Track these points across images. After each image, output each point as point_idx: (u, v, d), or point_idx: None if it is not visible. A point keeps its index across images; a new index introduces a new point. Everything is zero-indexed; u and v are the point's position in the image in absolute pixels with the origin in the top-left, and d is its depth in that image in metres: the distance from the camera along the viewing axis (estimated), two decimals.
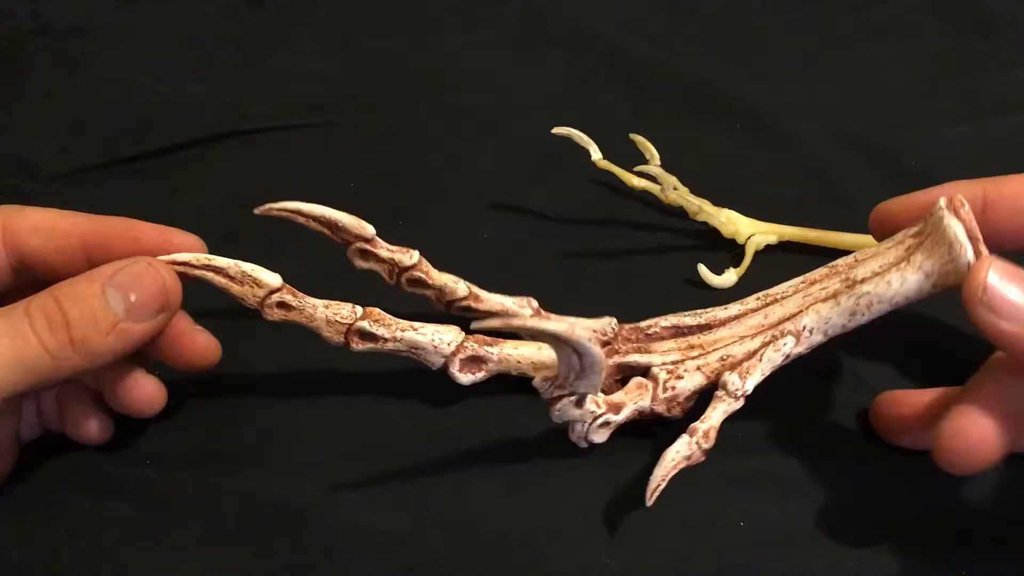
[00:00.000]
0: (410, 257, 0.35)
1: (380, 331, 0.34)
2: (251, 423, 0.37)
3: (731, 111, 0.53)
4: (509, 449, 0.35)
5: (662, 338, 0.35)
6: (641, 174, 0.45)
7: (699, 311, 0.35)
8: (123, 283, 0.31)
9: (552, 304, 0.42)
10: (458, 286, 0.36)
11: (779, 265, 0.43)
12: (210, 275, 0.34)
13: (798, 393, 0.35)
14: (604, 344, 0.35)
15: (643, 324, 0.36)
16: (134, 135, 0.53)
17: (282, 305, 0.34)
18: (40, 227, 0.34)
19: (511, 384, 0.35)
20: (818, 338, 0.33)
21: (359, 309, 0.34)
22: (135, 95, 0.57)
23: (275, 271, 0.34)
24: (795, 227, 0.44)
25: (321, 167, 0.51)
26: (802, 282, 0.35)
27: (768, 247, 0.43)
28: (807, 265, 0.43)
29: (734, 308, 0.35)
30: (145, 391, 0.35)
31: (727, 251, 0.44)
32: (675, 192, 0.43)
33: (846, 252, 0.42)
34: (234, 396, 0.36)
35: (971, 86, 0.54)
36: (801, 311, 0.34)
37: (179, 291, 0.33)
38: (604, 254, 0.45)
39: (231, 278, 0.34)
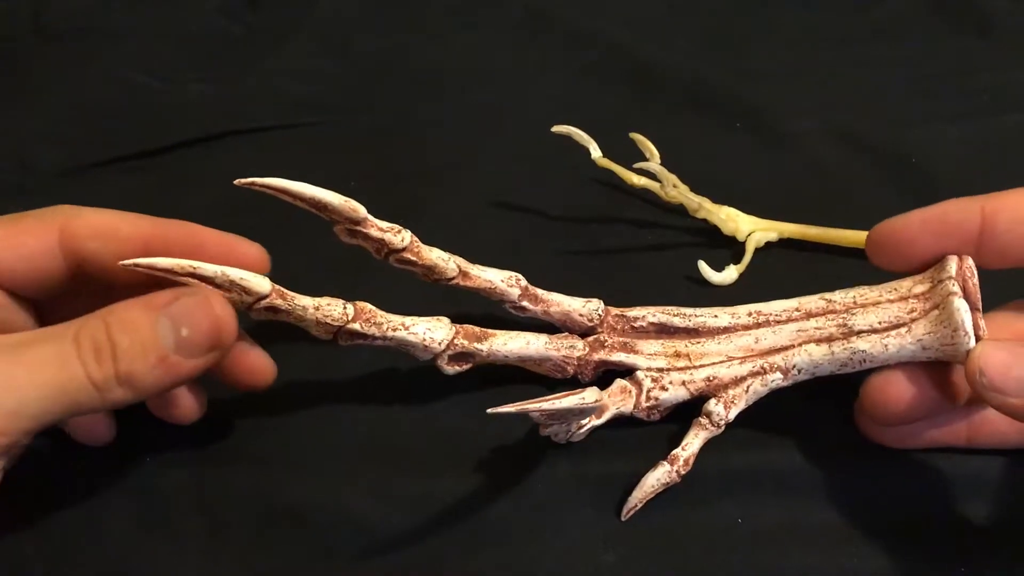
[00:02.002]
0: (401, 239, 0.34)
1: (371, 330, 0.33)
2: (251, 421, 0.37)
3: (731, 110, 0.53)
4: (509, 446, 0.35)
5: (648, 333, 0.36)
6: (641, 171, 0.45)
7: (688, 312, 0.35)
8: (177, 315, 0.30)
9: None
10: (448, 265, 0.35)
11: (779, 262, 0.43)
12: (195, 283, 0.32)
13: (797, 391, 0.35)
14: (589, 331, 0.36)
15: (631, 313, 0.36)
16: (134, 135, 0.53)
17: (271, 309, 0.33)
18: (100, 231, 0.33)
19: (513, 378, 0.35)
20: (805, 377, 0.34)
21: (350, 309, 0.33)
22: (135, 95, 0.57)
23: (273, 264, 0.34)
24: (795, 224, 0.44)
25: (321, 167, 0.51)
26: (796, 310, 0.34)
27: (768, 244, 0.43)
28: (808, 262, 0.43)
29: (724, 319, 0.35)
30: (187, 399, 0.35)
31: (727, 248, 0.44)
32: (675, 190, 0.43)
33: (846, 249, 0.43)
34: (234, 395, 0.36)
35: (971, 85, 0.53)
36: (793, 346, 0.34)
37: (234, 329, 0.31)
38: (604, 252, 0.45)
39: (218, 287, 0.32)
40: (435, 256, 0.35)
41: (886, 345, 0.32)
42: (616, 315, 0.36)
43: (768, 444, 0.36)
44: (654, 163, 0.43)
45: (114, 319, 0.29)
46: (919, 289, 0.33)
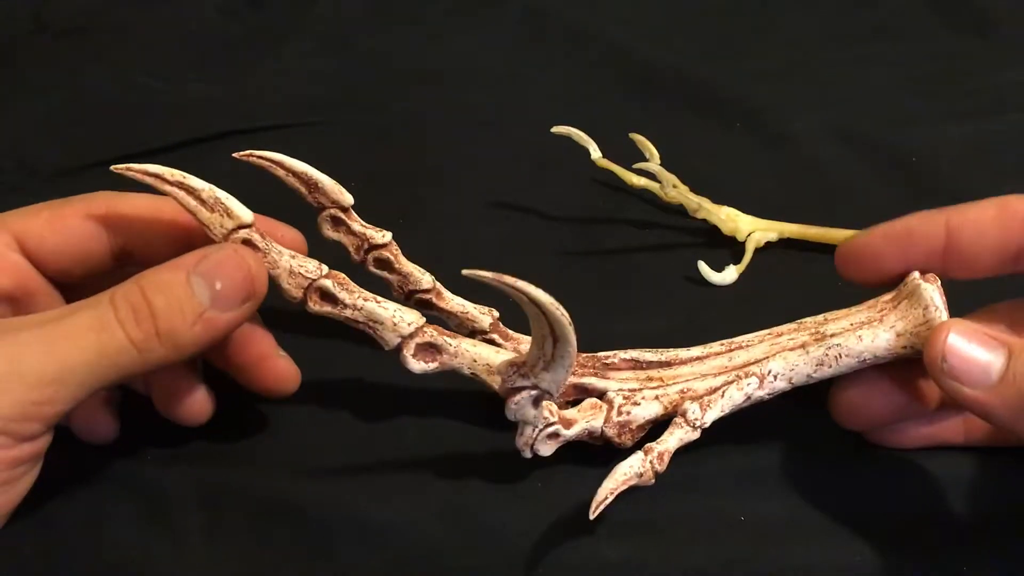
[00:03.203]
0: (382, 236, 0.34)
1: (342, 295, 0.32)
2: (252, 421, 0.37)
3: (731, 110, 0.53)
4: (509, 442, 0.35)
5: (620, 369, 0.35)
6: (641, 172, 0.45)
7: (660, 349, 0.35)
8: (208, 271, 0.30)
9: None
10: (424, 277, 0.35)
11: (779, 262, 0.43)
12: (182, 194, 0.31)
13: (799, 390, 0.35)
14: None
15: (601, 354, 0.35)
16: (134, 134, 0.53)
17: (247, 243, 0.32)
18: (143, 214, 0.33)
19: None
20: (782, 384, 0.33)
21: (325, 268, 0.33)
22: (135, 95, 0.57)
23: None
24: (795, 224, 0.44)
25: (321, 167, 0.50)
26: (768, 334, 0.34)
27: (768, 244, 0.43)
28: (807, 262, 0.43)
29: (697, 350, 0.35)
30: (198, 400, 0.35)
31: (727, 248, 0.44)
32: (675, 190, 0.43)
33: None
34: (234, 392, 0.36)
35: (970, 85, 0.54)
36: (768, 357, 0.33)
37: (265, 279, 0.32)
38: (604, 252, 0.45)
39: (203, 202, 0.32)
40: (412, 266, 0.35)
41: (860, 336, 0.32)
42: (586, 356, 0.35)
43: (769, 444, 0.36)
44: (654, 163, 0.43)
45: (147, 282, 0.30)
46: (886, 297, 0.33)
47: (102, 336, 0.29)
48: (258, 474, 0.36)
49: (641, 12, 0.62)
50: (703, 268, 0.42)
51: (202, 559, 0.33)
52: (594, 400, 0.34)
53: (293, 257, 0.33)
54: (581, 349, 0.36)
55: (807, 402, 0.36)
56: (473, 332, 0.36)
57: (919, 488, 0.34)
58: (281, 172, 0.33)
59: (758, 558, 0.32)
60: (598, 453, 0.35)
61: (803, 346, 0.33)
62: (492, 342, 0.35)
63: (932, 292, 0.31)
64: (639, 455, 0.32)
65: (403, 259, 0.35)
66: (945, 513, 0.34)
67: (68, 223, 0.33)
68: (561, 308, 0.27)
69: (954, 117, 0.51)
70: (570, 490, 0.34)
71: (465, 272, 0.26)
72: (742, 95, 0.53)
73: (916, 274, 0.32)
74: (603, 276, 0.44)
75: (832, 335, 0.33)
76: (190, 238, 0.33)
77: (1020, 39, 0.57)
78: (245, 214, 0.32)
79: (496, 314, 0.36)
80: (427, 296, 0.35)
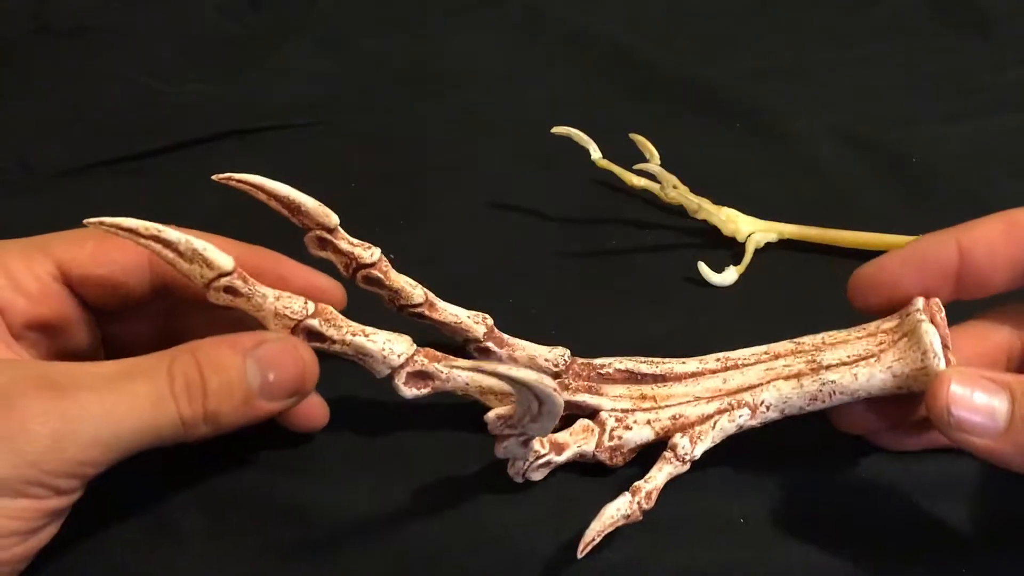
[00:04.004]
0: (371, 255, 0.33)
1: (330, 331, 0.32)
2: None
3: (731, 110, 0.53)
4: None
5: (615, 380, 0.35)
6: (641, 172, 0.45)
7: (656, 360, 0.35)
8: (265, 359, 0.31)
9: (552, 303, 0.42)
10: (415, 291, 0.34)
11: (779, 263, 0.43)
12: (158, 247, 0.31)
13: None
14: (554, 376, 0.35)
15: (597, 362, 0.35)
16: (134, 135, 0.53)
17: (230, 290, 0.31)
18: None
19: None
20: (774, 415, 0.33)
21: (311, 306, 0.32)
22: (135, 95, 0.57)
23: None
24: (795, 225, 0.44)
25: (321, 167, 0.51)
26: (765, 353, 0.34)
27: (768, 245, 0.43)
28: (807, 263, 0.43)
29: (692, 364, 0.35)
30: (313, 408, 0.35)
31: (727, 249, 0.44)
32: (675, 191, 0.43)
33: (846, 249, 0.43)
34: None
35: (970, 85, 0.54)
36: (761, 384, 0.33)
37: (316, 377, 0.32)
38: (604, 253, 0.45)
39: (180, 254, 0.31)
40: (403, 281, 0.34)
41: (855, 375, 0.32)
42: (582, 363, 0.35)
43: (770, 445, 0.35)
44: (653, 164, 0.43)
45: (204, 358, 0.30)
46: (887, 326, 0.33)
47: (156, 409, 0.29)
48: (259, 476, 0.35)
49: (641, 12, 0.62)
50: (703, 269, 0.42)
51: (203, 561, 0.33)
52: (586, 423, 0.34)
53: (277, 299, 0.32)
54: (577, 351, 0.36)
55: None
56: (467, 342, 0.35)
57: (918, 490, 0.34)
58: (263, 196, 0.32)
59: (759, 560, 0.32)
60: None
61: (798, 376, 0.33)
62: (487, 350, 0.35)
63: (933, 336, 0.31)
64: (627, 496, 0.32)
65: (393, 275, 0.34)
66: (944, 514, 0.33)
67: (113, 256, 0.33)
68: (544, 379, 0.27)
69: (954, 117, 0.51)
70: (571, 492, 0.34)
71: (439, 366, 0.27)
72: (742, 95, 0.53)
73: (920, 303, 0.32)
74: (603, 277, 0.44)
75: (828, 367, 0.32)
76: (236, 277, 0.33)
77: (1020, 39, 0.57)
78: (224, 262, 0.31)
79: (490, 321, 0.36)
80: (419, 309, 0.35)
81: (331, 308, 0.33)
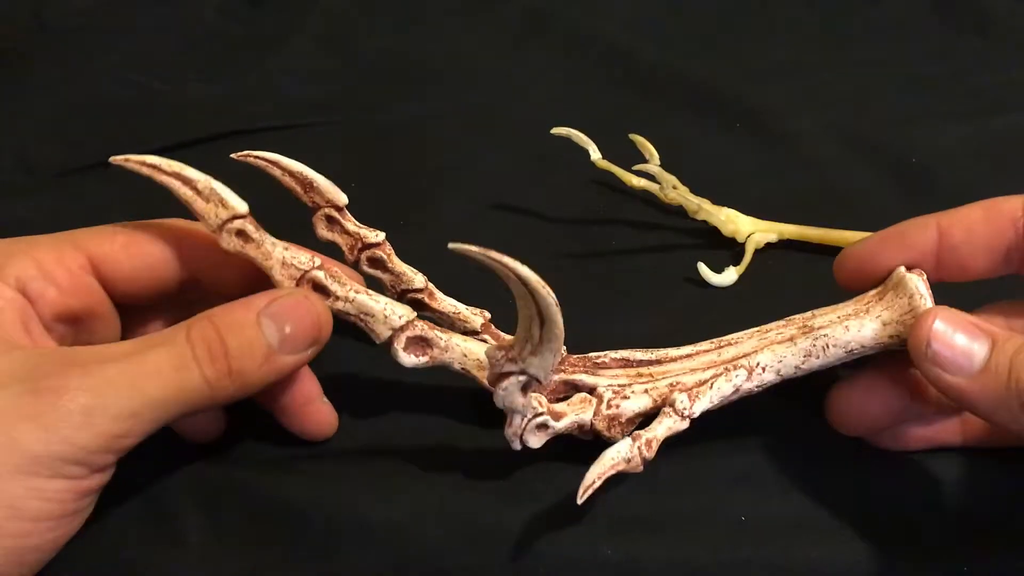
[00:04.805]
0: (376, 235, 0.34)
1: (334, 287, 0.33)
2: (252, 419, 0.37)
3: (731, 111, 0.53)
4: (508, 444, 0.35)
5: (610, 368, 0.35)
6: (640, 173, 0.45)
7: (651, 349, 0.35)
8: (278, 313, 0.31)
9: None
10: (416, 276, 0.35)
11: (779, 263, 0.43)
12: (177, 184, 0.32)
13: (799, 389, 0.35)
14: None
15: (592, 355, 0.35)
16: (134, 135, 0.53)
17: (241, 234, 0.32)
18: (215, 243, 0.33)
19: None
20: (770, 376, 0.33)
21: (318, 259, 0.33)
22: (135, 95, 0.57)
23: None
24: (795, 225, 0.44)
25: (321, 167, 0.50)
26: (757, 331, 0.35)
27: (768, 245, 0.43)
28: (807, 263, 0.43)
29: (687, 348, 0.35)
30: (323, 415, 0.36)
31: (727, 250, 0.44)
32: (674, 191, 0.43)
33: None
34: None
35: (970, 85, 0.54)
36: (756, 351, 0.33)
37: (331, 326, 0.33)
38: (603, 254, 0.45)
39: (198, 192, 0.32)
40: (405, 266, 0.35)
41: (847, 327, 0.32)
42: (577, 357, 0.35)
43: (769, 444, 0.36)
44: (653, 165, 0.43)
45: (221, 321, 0.31)
46: (872, 292, 0.34)
47: (181, 374, 0.30)
48: (257, 474, 0.35)
49: (641, 12, 0.62)
50: (703, 269, 0.42)
51: (200, 558, 0.33)
52: (584, 395, 0.34)
53: (286, 249, 0.33)
54: (576, 351, 0.36)
55: (806, 403, 0.36)
56: (465, 333, 0.36)
57: (919, 489, 0.34)
58: (277, 172, 0.34)
59: (758, 558, 0.32)
60: (596, 452, 0.35)
61: (791, 339, 0.33)
62: (484, 343, 0.35)
63: (917, 281, 0.32)
64: (627, 441, 0.32)
65: (396, 259, 0.35)
66: (945, 513, 0.34)
67: (144, 249, 0.33)
68: (548, 288, 0.27)
69: (954, 117, 0.51)
70: (569, 490, 0.34)
71: (451, 246, 0.26)
72: (742, 95, 0.53)
73: (902, 268, 0.33)
74: (602, 277, 0.44)
75: (819, 327, 0.33)
76: (259, 269, 0.33)
77: (1020, 39, 0.57)
78: (239, 205, 0.32)
79: (488, 315, 0.36)
80: (419, 296, 0.35)
81: (338, 267, 0.34)
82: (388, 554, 0.33)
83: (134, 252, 0.33)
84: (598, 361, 0.35)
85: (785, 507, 0.34)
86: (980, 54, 0.56)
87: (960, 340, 0.29)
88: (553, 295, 0.27)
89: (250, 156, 0.33)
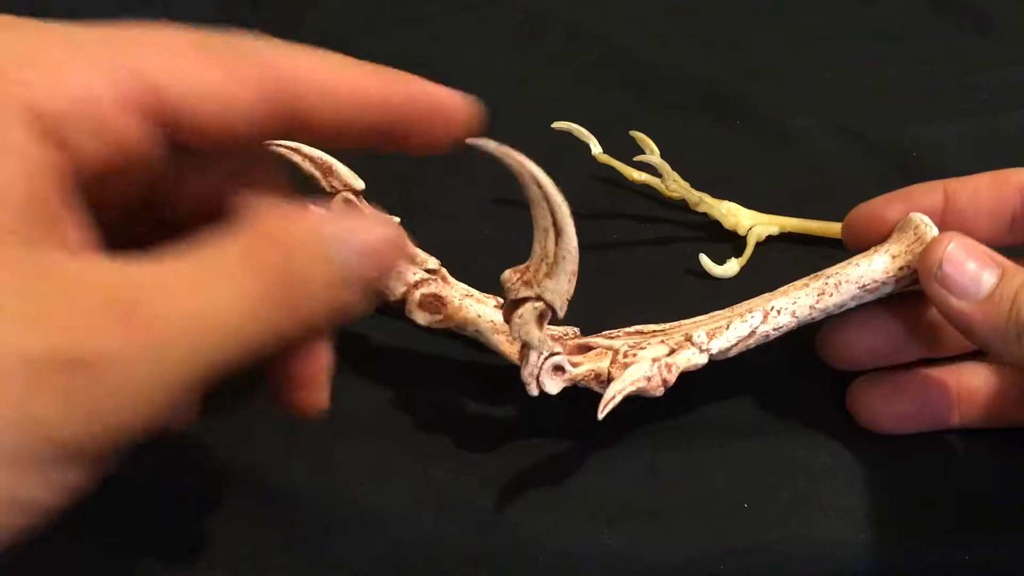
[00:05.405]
0: (392, 219, 0.35)
1: None
2: (247, 407, 0.37)
3: (731, 109, 0.53)
4: (510, 429, 0.35)
5: (622, 339, 0.35)
6: (641, 165, 0.45)
7: (661, 324, 0.35)
8: (350, 241, 0.24)
9: None
10: (430, 259, 0.36)
11: (781, 255, 0.43)
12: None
13: (802, 378, 0.35)
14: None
15: (604, 333, 0.35)
16: None
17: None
18: (325, 87, 0.25)
19: (512, 366, 0.35)
20: (786, 318, 0.33)
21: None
22: None
23: None
24: (796, 218, 0.43)
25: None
26: (770, 294, 0.35)
27: (770, 238, 0.43)
28: (809, 256, 0.43)
29: (701, 317, 0.35)
30: (320, 399, 0.28)
31: (728, 243, 0.44)
32: (676, 184, 0.43)
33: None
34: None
35: (970, 84, 0.54)
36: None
37: (400, 256, 0.27)
38: (605, 247, 0.45)
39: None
40: (418, 250, 0.36)
41: (857, 263, 0.33)
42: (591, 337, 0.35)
43: (771, 430, 0.36)
44: (655, 156, 0.43)
45: (292, 246, 0.23)
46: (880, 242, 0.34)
47: (250, 326, 0.22)
48: (254, 462, 0.35)
49: (641, 12, 0.62)
50: (704, 261, 0.42)
51: (197, 542, 0.33)
52: (600, 349, 0.34)
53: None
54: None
55: (808, 390, 0.36)
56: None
57: (920, 475, 0.34)
58: (298, 158, 0.35)
59: (760, 544, 0.32)
60: (599, 445, 0.35)
61: (804, 284, 0.33)
62: (498, 311, 0.36)
63: (922, 216, 0.32)
64: (647, 361, 0.31)
65: (410, 243, 0.36)
66: (947, 498, 0.33)
67: (226, 87, 0.24)
68: (563, 197, 0.27)
69: (954, 115, 0.51)
70: (570, 479, 0.34)
71: (469, 141, 0.26)
72: (742, 93, 0.53)
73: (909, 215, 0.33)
74: (604, 271, 0.44)
75: (831, 272, 0.33)
76: (382, 112, 0.26)
77: (1020, 39, 0.57)
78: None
79: (500, 300, 0.36)
80: (434, 277, 0.36)
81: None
82: (385, 539, 0.33)
83: (213, 91, 0.23)
84: (611, 336, 0.35)
85: (788, 493, 0.34)
86: (980, 53, 0.56)
87: (971, 266, 0.30)
88: (567, 204, 0.27)
89: (272, 144, 0.34)
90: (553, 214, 0.27)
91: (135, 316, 0.20)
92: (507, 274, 0.30)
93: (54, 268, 0.20)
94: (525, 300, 0.30)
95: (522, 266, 0.30)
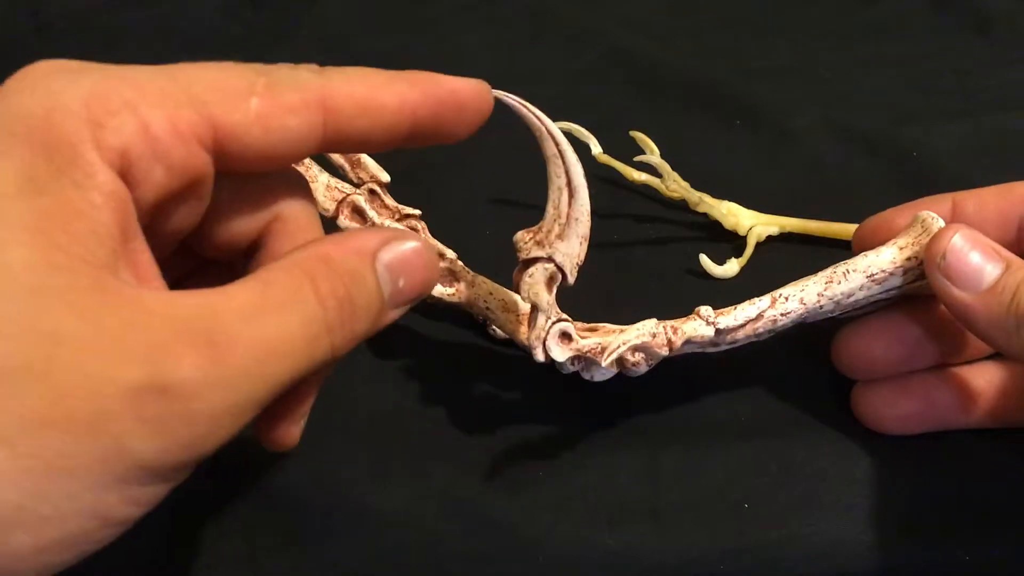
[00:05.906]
0: (413, 210, 0.36)
1: (371, 213, 0.36)
2: None
3: (731, 109, 0.53)
4: (511, 430, 0.35)
5: None
6: (641, 165, 0.45)
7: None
8: (396, 264, 0.26)
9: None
10: (448, 250, 0.37)
11: (781, 255, 0.43)
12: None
13: (802, 378, 0.35)
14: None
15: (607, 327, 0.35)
16: None
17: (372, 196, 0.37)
18: (367, 106, 0.26)
19: (514, 365, 0.35)
20: (794, 305, 0.33)
21: (367, 192, 0.36)
22: None
23: None
24: (796, 218, 0.43)
25: (321, 166, 0.50)
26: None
27: (770, 238, 0.43)
28: (809, 256, 0.43)
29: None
30: (294, 436, 0.29)
31: (729, 243, 0.44)
32: (676, 184, 0.43)
33: (847, 243, 0.42)
34: None
35: (970, 84, 0.54)
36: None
37: (438, 278, 0.30)
38: (605, 247, 0.45)
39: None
40: (436, 241, 0.36)
41: (865, 255, 0.33)
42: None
43: (772, 431, 0.35)
44: (655, 156, 0.43)
45: (345, 273, 0.25)
46: None
47: (311, 346, 0.24)
48: (255, 462, 0.35)
49: (641, 12, 0.62)
50: (704, 261, 0.42)
51: (199, 543, 0.33)
52: (608, 327, 0.33)
53: (331, 177, 0.36)
54: None
55: (808, 390, 0.36)
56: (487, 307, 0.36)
57: (919, 475, 0.34)
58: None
59: (760, 544, 0.32)
60: (599, 445, 0.35)
61: (814, 274, 0.33)
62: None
63: (930, 212, 0.32)
64: (653, 320, 0.31)
65: (429, 236, 0.37)
66: (946, 499, 0.33)
67: (285, 121, 0.24)
68: (576, 157, 0.27)
69: (954, 115, 0.51)
70: (571, 479, 0.34)
71: (493, 93, 0.26)
72: (742, 93, 0.53)
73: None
74: (604, 271, 0.43)
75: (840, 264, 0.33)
76: (413, 124, 0.27)
77: (1020, 39, 0.57)
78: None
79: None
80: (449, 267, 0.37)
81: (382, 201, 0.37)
82: (386, 540, 0.33)
83: (274, 124, 0.24)
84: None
85: (788, 493, 0.34)
86: (980, 53, 0.56)
87: (975, 258, 0.30)
88: (581, 168, 0.27)
89: None
90: (568, 172, 0.28)
91: (213, 344, 0.22)
92: (520, 235, 0.30)
93: (137, 299, 0.22)
94: (536, 260, 0.29)
95: (535, 227, 0.30)
